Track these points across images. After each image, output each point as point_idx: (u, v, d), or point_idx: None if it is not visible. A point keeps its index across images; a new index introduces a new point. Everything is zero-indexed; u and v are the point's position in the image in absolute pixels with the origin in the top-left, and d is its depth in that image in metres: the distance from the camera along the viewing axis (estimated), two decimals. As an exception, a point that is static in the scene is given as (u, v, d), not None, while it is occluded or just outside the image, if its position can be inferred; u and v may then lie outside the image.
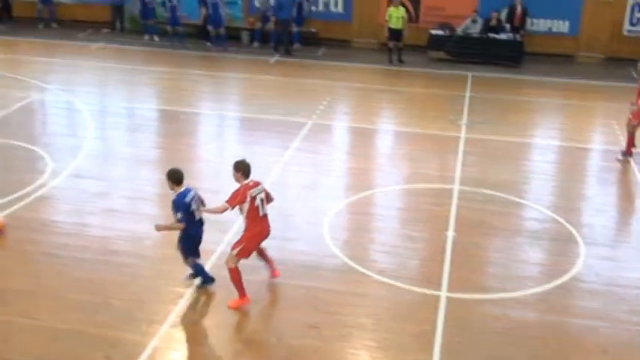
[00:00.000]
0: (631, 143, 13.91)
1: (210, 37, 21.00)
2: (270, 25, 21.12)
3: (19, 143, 13.70)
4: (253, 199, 8.84)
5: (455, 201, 11.95)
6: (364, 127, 15.56)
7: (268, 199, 9.20)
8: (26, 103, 15.96)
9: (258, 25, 21.45)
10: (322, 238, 10.70)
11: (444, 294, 9.34)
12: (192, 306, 9.09)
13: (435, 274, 9.78)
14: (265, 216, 9.08)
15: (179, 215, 8.80)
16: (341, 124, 16.04)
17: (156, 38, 21.40)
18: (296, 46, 20.82)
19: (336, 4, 21.71)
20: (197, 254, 9.26)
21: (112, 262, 9.84)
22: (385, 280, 9.63)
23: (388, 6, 20.43)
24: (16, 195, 11.61)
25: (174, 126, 15.34)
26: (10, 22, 22.37)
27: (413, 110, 16.84)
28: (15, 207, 11.27)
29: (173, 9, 21.22)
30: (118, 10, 22.34)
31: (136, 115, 15.92)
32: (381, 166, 13.85)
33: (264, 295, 9.33)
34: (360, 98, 17.62)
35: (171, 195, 8.86)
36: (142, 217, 11.17)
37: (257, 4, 21.71)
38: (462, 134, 15.00)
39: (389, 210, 11.94)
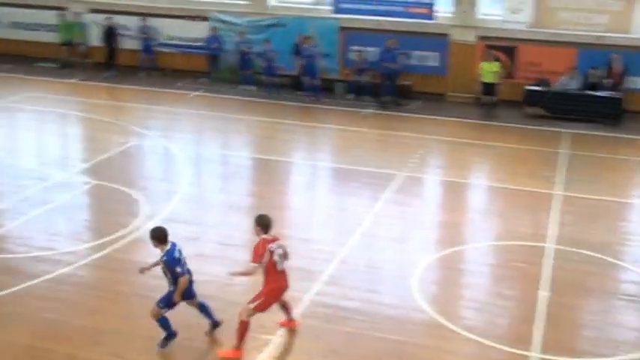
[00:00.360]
0: None
1: (304, 87, 21.32)
2: (365, 78, 21.31)
3: (117, 186, 14.14)
4: (271, 253, 8.84)
5: (548, 260, 11.59)
6: (456, 182, 15.35)
7: (286, 255, 9.11)
8: (126, 148, 16.50)
9: (353, 77, 21.65)
10: (410, 291, 10.54)
11: (534, 355, 9.01)
12: (279, 354, 9.04)
13: (526, 333, 9.46)
14: (283, 271, 9.06)
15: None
16: (433, 178, 15.89)
17: (253, 88, 21.88)
18: (391, 98, 20.80)
19: (431, 58, 21.72)
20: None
21: (201, 307, 9.92)
22: (473, 337, 9.38)
23: (482, 60, 20.30)
24: (112, 236, 11.95)
25: (267, 174, 15.54)
26: (115, 70, 23.31)
27: (506, 166, 16.53)
28: (110, 248, 11.59)
29: (270, 60, 21.69)
30: (214, 59, 22.99)
31: (229, 163, 16.21)
32: (473, 221, 13.60)
33: (349, 347, 9.20)
34: (452, 152, 17.45)
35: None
36: (232, 262, 11.24)
37: (353, 57, 21.94)
38: (556, 192, 14.60)
39: (480, 266, 11.68)
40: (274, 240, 8.96)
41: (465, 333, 9.47)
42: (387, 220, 13.10)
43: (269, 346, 9.16)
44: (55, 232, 12.28)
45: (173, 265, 8.83)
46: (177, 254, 8.95)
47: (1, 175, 15.00)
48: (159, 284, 10.39)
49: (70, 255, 11.34)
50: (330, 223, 13.13)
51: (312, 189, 15.20)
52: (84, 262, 11.18)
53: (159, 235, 8.97)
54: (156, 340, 9.01)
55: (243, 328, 8.85)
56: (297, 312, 9.87)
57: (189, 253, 11.26)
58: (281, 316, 9.73)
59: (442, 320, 9.76)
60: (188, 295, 9.12)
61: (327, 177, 15.70)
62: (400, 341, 9.29)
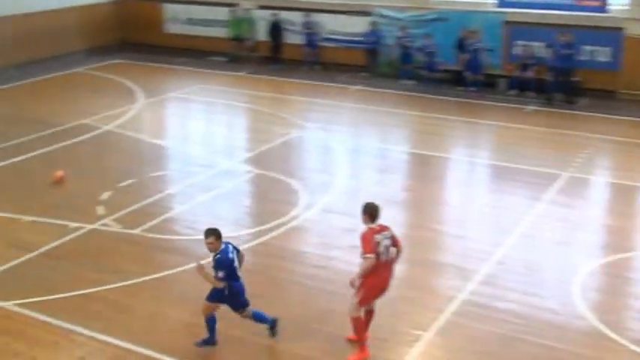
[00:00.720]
0: None
1: (466, 83, 20.98)
2: (530, 73, 20.70)
3: (277, 176, 14.57)
4: (377, 244, 8.45)
5: None
6: (625, 184, 14.55)
7: (396, 246, 8.75)
8: (287, 139, 16.95)
9: (517, 72, 21.07)
10: (571, 297, 10.14)
11: None
12: (430, 351, 9.00)
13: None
14: (387, 264, 8.65)
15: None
16: (599, 179, 15.14)
17: (414, 82, 21.81)
18: (562, 95, 19.98)
19: (602, 53, 20.69)
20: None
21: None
22: (640, 350, 8.90)
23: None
24: (271, 224, 12.33)
25: (424, 169, 15.45)
26: (280, 64, 23.99)
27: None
28: (269, 235, 11.97)
29: (430, 54, 21.53)
30: (373, 54, 23.10)
31: (387, 157, 16.25)
32: (642, 226, 12.87)
33: (503, 350, 8.99)
34: (622, 153, 16.53)
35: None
36: (386, 256, 11.33)
37: (518, 51, 21.34)
38: None
39: (649, 275, 11.06)
40: (382, 230, 8.59)
41: (632, 346, 8.97)
42: (548, 222, 12.64)
43: (419, 342, 9.12)
44: (219, 216, 12.82)
45: (220, 266, 8.50)
46: (231, 255, 8.62)
47: (172, 162, 15.87)
48: (316, 273, 10.69)
49: (232, 239, 11.68)
50: (486, 222, 12.86)
51: (469, 186, 14.94)
52: (244, 247, 11.53)
53: (368, 211, 8.58)
54: (307, 329, 9.21)
55: (356, 325, 8.68)
56: (449, 310, 9.78)
57: (345, 244, 11.53)
58: (429, 315, 9.68)
59: (606, 330, 9.30)
60: (240, 304, 8.84)
61: (486, 174, 15.37)
62: (558, 349, 8.96)
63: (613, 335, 9.19)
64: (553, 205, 13.33)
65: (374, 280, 8.52)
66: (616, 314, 9.89)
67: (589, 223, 12.78)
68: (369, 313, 8.88)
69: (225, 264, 8.51)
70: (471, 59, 20.90)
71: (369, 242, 8.38)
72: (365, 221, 8.62)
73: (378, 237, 8.46)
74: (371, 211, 8.63)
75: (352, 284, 8.61)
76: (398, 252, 8.77)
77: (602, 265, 11.16)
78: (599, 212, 13.47)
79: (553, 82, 20.02)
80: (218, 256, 8.52)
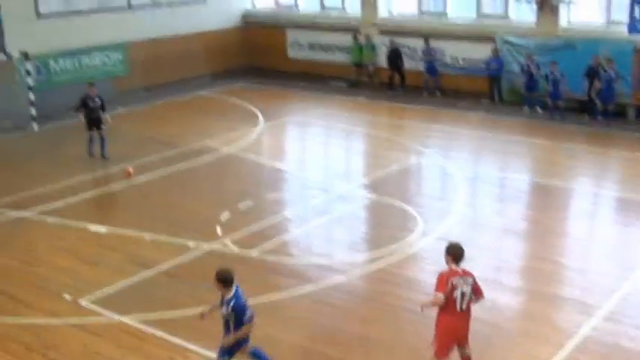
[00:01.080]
0: None
1: (594, 112, 20.25)
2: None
3: (394, 202, 14.50)
4: (453, 287, 8.04)
5: None
6: None
7: (478, 294, 8.31)
8: (404, 166, 16.87)
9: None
10: None
11: None
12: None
13: None
14: (463, 313, 8.19)
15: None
16: None
17: (539, 110, 21.28)
18: None
19: None
20: None
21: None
22: None
23: None
24: (386, 250, 12.27)
25: (546, 199, 14.96)
26: (401, 90, 23.97)
27: None
28: (384, 261, 11.90)
29: (556, 82, 20.93)
30: (496, 81, 22.70)
31: (507, 185, 15.89)
32: None
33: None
34: None
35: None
36: (504, 287, 11.04)
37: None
38: None
39: None
40: (464, 274, 8.18)
41: None
42: (678, 258, 12.00)
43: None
44: (335, 241, 12.90)
45: (241, 311, 8.21)
46: (244, 298, 8.35)
47: (290, 185, 16.11)
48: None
49: (347, 264, 11.84)
50: (611, 255, 12.29)
51: (593, 217, 14.36)
52: (359, 271, 11.61)
53: (225, 278, 8.31)
54: (423, 353, 9.05)
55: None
56: (570, 346, 9.39)
57: (461, 273, 11.32)
58: (548, 349, 9.33)
59: None
60: (243, 341, 8.49)
61: (612, 207, 14.72)
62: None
63: None
64: (685, 241, 12.65)
65: (448, 326, 8.20)
66: None
67: None
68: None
69: (241, 311, 8.24)
70: (603, 88, 20.17)
71: (442, 283, 8.09)
72: (447, 262, 8.31)
73: (455, 280, 8.12)
74: (455, 253, 8.31)
75: (421, 307, 8.47)
76: (478, 300, 8.36)
77: None
78: None
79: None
80: (232, 304, 8.22)
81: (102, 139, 17.36)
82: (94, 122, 17.24)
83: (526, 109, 21.53)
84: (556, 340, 9.58)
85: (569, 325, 9.97)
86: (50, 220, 13.81)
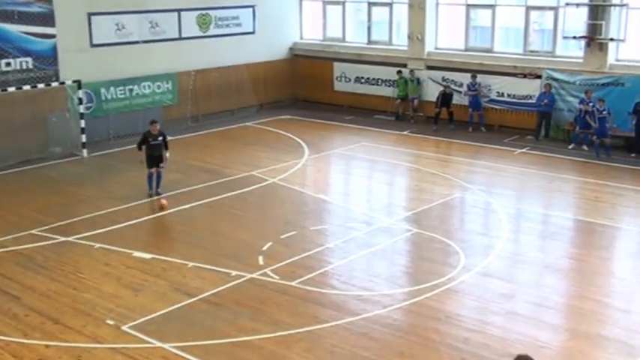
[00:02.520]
0: None
1: (640, 149, 20.07)
2: None
3: (436, 236, 14.49)
4: None
5: None
6: None
7: None
8: (448, 200, 16.86)
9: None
10: None
11: None
12: None
13: None
14: None
15: None
16: None
17: (585, 148, 21.10)
18: None
19: None
20: None
21: (509, 366, 9.75)
22: None
23: None
24: (427, 284, 12.26)
25: (589, 237, 14.81)
26: (452, 126, 23.96)
27: None
28: (424, 295, 11.88)
29: (602, 120, 20.77)
30: (545, 117, 22.60)
31: (550, 223, 15.75)
32: None
33: None
34: None
35: None
36: (544, 325, 10.94)
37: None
38: None
39: None
40: None
41: None
42: None
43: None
44: (376, 274, 12.91)
45: None
46: None
47: (333, 217, 16.20)
48: (470, 337, 10.47)
49: (387, 297, 11.85)
50: (656, 297, 12.11)
51: (638, 257, 14.17)
52: (398, 305, 11.61)
53: None
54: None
55: None
56: (612, 387, 9.26)
57: (502, 310, 11.31)
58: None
59: None
60: None
61: (659, 247, 14.52)
62: None
63: None
64: None
65: None
66: None
67: None
68: None
69: None
70: (647, 125, 20.03)
71: None
72: None
73: None
74: None
75: None
76: None
77: None
78: None
79: None
80: None
81: (158, 176, 17.17)
82: (154, 160, 17.01)
83: (573, 146, 21.38)
84: (597, 380, 9.46)
85: (612, 366, 9.85)
86: (96, 245, 14.11)
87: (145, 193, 17.04)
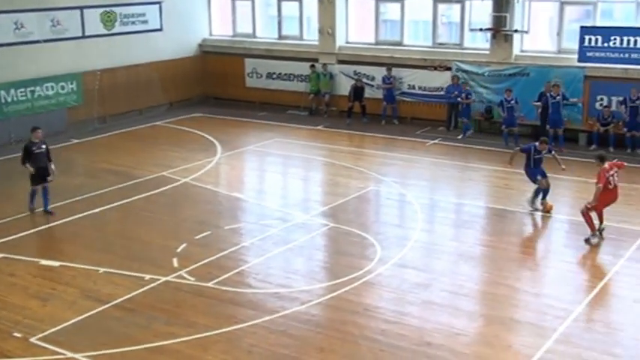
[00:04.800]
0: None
1: (547, 137, 20.57)
2: (611, 129, 20.33)
3: (352, 230, 14.52)
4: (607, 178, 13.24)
5: None
6: None
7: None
8: (363, 193, 16.93)
9: (598, 127, 20.64)
10: (655, 359, 9.67)
11: None
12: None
13: None
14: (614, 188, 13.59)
15: None
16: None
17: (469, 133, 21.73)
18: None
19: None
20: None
21: (425, 354, 9.85)
22: None
23: None
24: (345, 278, 12.25)
25: (501, 224, 15.13)
26: (364, 119, 24.09)
27: None
28: (342, 290, 11.87)
29: (510, 109, 21.27)
30: (455, 108, 22.99)
31: (463, 211, 16.03)
32: None
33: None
34: None
35: None
36: (460, 312, 11.11)
37: (599, 107, 20.97)
38: None
39: None
40: (611, 168, 13.55)
41: None
42: (629, 280, 12.19)
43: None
44: (293, 270, 12.84)
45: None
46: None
47: (248, 215, 16.03)
48: (388, 328, 10.51)
49: (305, 293, 11.79)
50: (565, 279, 12.47)
51: (547, 242, 14.58)
52: (317, 301, 11.56)
53: None
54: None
55: (586, 218, 13.63)
56: (526, 370, 9.45)
57: (418, 300, 11.39)
58: None
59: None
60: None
61: (565, 230, 14.93)
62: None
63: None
64: (634, 262, 12.90)
65: (603, 198, 13.56)
66: None
67: (675, 283, 12.22)
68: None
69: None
70: (552, 114, 20.60)
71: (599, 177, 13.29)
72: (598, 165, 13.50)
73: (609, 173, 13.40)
74: (601, 157, 13.71)
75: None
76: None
77: (690, 327, 10.62)
78: (686, 271, 12.88)
79: (636, 137, 19.62)
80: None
81: (45, 192, 15.51)
82: (40, 174, 15.35)
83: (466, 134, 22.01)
84: (512, 364, 9.65)
85: (525, 348, 10.04)
86: (0, 255, 13.51)
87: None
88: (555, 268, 12.95)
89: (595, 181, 13.66)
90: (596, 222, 13.77)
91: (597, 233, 13.80)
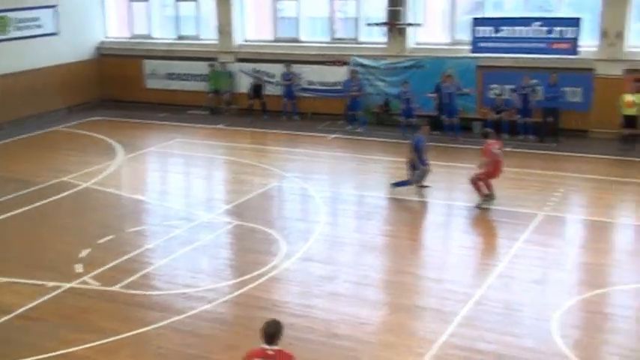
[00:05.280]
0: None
1: (443, 127, 21.26)
2: (504, 116, 21.16)
3: (257, 226, 14.64)
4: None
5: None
6: (600, 221, 14.74)
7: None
8: (266, 190, 17.07)
9: (491, 115, 21.44)
10: (550, 335, 10.19)
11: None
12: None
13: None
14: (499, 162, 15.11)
15: None
16: (574, 217, 15.34)
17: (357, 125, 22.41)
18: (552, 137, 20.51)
19: (574, 94, 21.13)
20: None
21: (333, 345, 10.06)
22: (619, 385, 8.92)
23: (625, 93, 19.64)
24: (250, 275, 12.35)
25: (402, 214, 15.58)
26: (265, 116, 24.17)
27: (656, 204, 15.74)
28: (249, 286, 11.97)
29: (407, 101, 21.83)
30: (352, 102, 23.35)
31: (364, 203, 16.38)
32: (619, 262, 12.96)
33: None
34: (595, 190, 16.77)
35: None
36: (364, 302, 11.39)
37: (492, 95, 21.80)
38: None
39: (627, 310, 11.11)
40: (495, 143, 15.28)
41: (608, 380, 9.05)
42: (525, 261, 12.76)
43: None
44: (199, 270, 12.85)
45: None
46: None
47: (152, 216, 15.90)
48: (295, 322, 10.67)
49: (212, 292, 11.83)
50: (465, 264, 12.96)
51: (447, 228, 15.10)
52: (224, 299, 11.62)
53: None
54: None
55: (476, 186, 15.17)
56: (430, 354, 9.79)
57: (324, 292, 11.61)
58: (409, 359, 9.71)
59: (584, 366, 9.39)
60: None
61: (463, 217, 15.47)
62: (538, 387, 9.00)
63: (591, 372, 9.25)
64: (530, 244, 13.48)
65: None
66: (593, 350, 9.98)
67: (565, 261, 12.90)
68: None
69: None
70: (447, 103, 21.28)
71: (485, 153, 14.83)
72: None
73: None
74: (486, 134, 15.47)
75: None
76: None
77: (579, 302, 11.25)
78: (574, 250, 13.61)
79: (544, 123, 20.54)
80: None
81: None
82: None
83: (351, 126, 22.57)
84: (416, 349, 9.97)
85: (429, 333, 10.39)
86: None
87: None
88: (455, 254, 13.42)
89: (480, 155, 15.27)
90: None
91: (487, 198, 15.18)
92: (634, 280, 11.98)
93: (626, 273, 12.38)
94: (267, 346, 7.29)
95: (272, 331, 7.30)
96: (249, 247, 13.85)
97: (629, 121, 19.54)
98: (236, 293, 11.80)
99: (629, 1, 20.64)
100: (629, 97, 19.56)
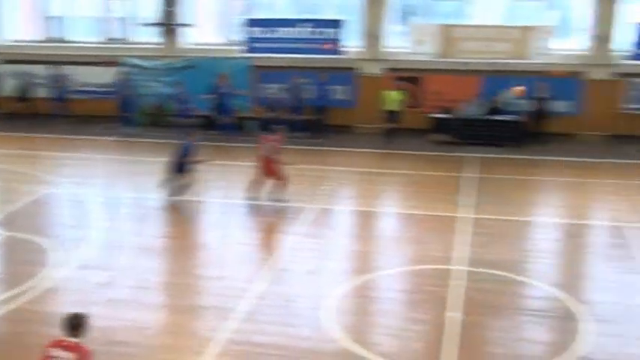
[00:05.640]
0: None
1: (217, 126, 21.52)
2: (279, 114, 21.84)
3: (28, 236, 13.96)
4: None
5: (459, 282, 11.97)
6: (366, 211, 15.76)
7: None
8: (38, 198, 16.34)
9: (267, 114, 22.03)
10: (324, 322, 10.71)
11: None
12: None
13: (439, 355, 9.74)
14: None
15: None
16: (342, 208, 16.25)
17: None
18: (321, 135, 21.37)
19: (341, 92, 22.27)
20: None
21: (117, 353, 9.87)
22: (388, 363, 9.61)
23: (387, 90, 21.07)
24: (22, 288, 11.76)
25: (181, 215, 15.60)
26: (29, 119, 23.04)
27: (415, 192, 17.06)
28: (20, 300, 11.41)
29: (182, 101, 21.85)
30: (126, 104, 22.97)
31: (141, 205, 16.21)
32: (385, 248, 13.95)
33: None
34: (361, 182, 17.88)
35: None
36: (145, 306, 11.29)
37: (266, 94, 22.42)
38: (466, 215, 15.12)
39: (393, 292, 11.97)
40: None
41: (379, 359, 9.69)
42: (299, 253, 13.32)
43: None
44: (-35, 288, 12.05)
45: None
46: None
47: None
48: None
49: (-21, 309, 11.15)
50: (243, 259, 13.25)
51: (225, 226, 15.32)
52: (-5, 316, 11.01)
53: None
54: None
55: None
56: (211, 352, 9.93)
57: (102, 299, 11.36)
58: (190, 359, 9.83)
59: (357, 348, 9.94)
60: None
61: (239, 214, 15.79)
62: (314, 372, 9.44)
63: (364, 352, 9.83)
64: (303, 237, 14.10)
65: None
66: (365, 332, 10.64)
67: (336, 251, 13.64)
68: None
69: None
70: (221, 103, 21.56)
71: None
72: None
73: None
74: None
75: None
76: None
77: (351, 289, 11.93)
78: (345, 239, 14.45)
79: (299, 121, 21.28)
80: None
81: None
82: None
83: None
84: (197, 348, 10.05)
85: (209, 332, 10.50)
86: None
87: None
88: (233, 251, 13.66)
89: None
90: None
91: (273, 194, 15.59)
92: (397, 264, 12.91)
93: (390, 258, 13.34)
94: (65, 338, 7.20)
95: (73, 323, 7.24)
96: (20, 258, 13.18)
97: (392, 116, 20.96)
98: (7, 308, 11.19)
99: (386, 4, 22.12)
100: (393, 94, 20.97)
